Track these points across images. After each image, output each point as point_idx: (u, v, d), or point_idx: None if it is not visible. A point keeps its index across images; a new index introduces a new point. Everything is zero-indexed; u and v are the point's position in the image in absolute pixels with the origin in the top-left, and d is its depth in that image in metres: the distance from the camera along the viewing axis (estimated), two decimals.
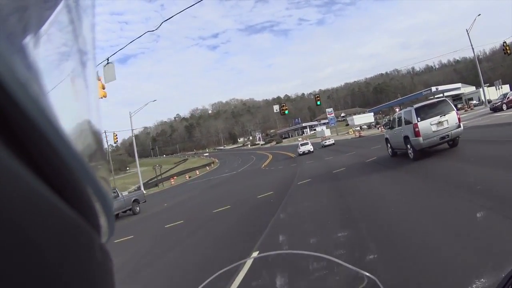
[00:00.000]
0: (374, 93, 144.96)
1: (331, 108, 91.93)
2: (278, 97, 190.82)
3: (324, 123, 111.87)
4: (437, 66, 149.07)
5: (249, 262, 3.75)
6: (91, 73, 0.29)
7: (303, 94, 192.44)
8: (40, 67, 0.24)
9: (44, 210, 0.21)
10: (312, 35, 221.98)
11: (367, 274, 0.78)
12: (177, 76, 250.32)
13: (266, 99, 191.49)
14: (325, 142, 37.81)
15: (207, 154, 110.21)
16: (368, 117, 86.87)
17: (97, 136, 0.30)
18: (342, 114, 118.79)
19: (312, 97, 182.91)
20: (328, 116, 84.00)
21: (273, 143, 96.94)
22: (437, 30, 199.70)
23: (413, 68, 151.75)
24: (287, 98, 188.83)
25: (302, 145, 32.13)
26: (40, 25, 0.26)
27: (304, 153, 30.15)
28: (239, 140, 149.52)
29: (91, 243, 0.26)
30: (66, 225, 0.23)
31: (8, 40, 0.21)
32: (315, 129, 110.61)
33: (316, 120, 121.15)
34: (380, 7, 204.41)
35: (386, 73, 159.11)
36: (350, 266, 0.79)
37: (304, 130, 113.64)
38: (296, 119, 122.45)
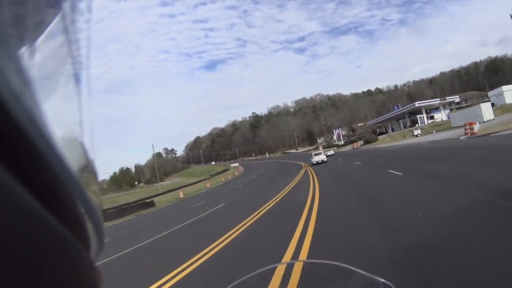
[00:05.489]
0: (486, 75, 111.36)
1: None
2: (368, 90, 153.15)
3: (449, 105, 68.71)
4: None
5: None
6: (84, 84, 0.29)
7: (396, 85, 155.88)
8: (34, 78, 0.23)
9: (32, 224, 0.20)
10: (396, 35, 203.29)
11: (383, 280, 0.74)
12: (266, 80, 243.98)
13: (355, 93, 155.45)
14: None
15: (236, 164, 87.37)
16: None
17: (87, 150, 0.29)
18: (457, 100, 73.97)
19: (406, 87, 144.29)
20: None
21: (358, 143, 59.72)
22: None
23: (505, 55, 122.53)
24: (379, 90, 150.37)
25: (315, 154, 32.01)
26: (36, 36, 0.25)
27: (318, 163, 29.77)
28: (318, 140, 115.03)
29: (80, 259, 0.25)
30: (54, 239, 0.22)
31: (3, 49, 0.20)
32: (432, 116, 68.43)
33: (439, 99, 71.88)
34: (457, 5, 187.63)
35: (480, 60, 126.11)
36: (364, 272, 0.76)
37: (418, 116, 66.22)
38: (395, 106, 79.94)
